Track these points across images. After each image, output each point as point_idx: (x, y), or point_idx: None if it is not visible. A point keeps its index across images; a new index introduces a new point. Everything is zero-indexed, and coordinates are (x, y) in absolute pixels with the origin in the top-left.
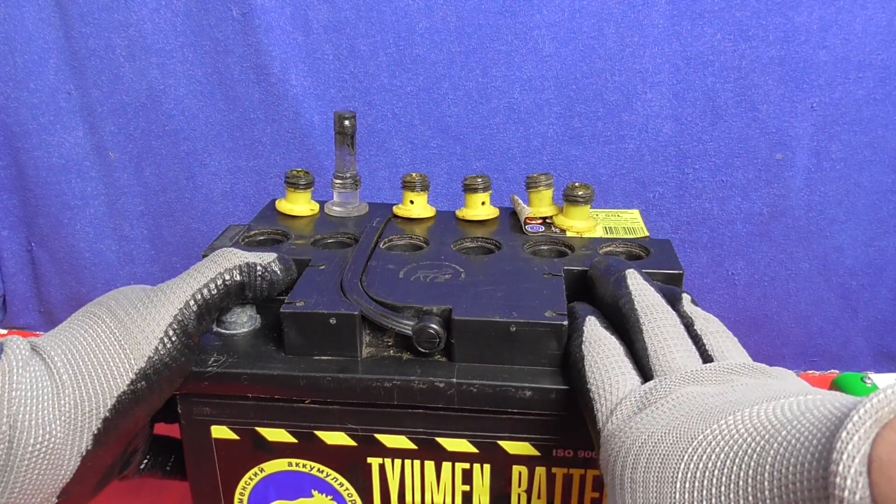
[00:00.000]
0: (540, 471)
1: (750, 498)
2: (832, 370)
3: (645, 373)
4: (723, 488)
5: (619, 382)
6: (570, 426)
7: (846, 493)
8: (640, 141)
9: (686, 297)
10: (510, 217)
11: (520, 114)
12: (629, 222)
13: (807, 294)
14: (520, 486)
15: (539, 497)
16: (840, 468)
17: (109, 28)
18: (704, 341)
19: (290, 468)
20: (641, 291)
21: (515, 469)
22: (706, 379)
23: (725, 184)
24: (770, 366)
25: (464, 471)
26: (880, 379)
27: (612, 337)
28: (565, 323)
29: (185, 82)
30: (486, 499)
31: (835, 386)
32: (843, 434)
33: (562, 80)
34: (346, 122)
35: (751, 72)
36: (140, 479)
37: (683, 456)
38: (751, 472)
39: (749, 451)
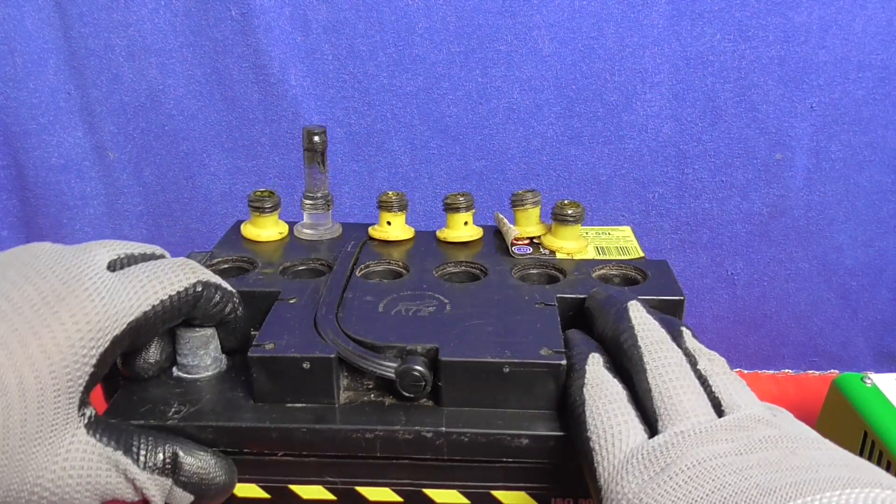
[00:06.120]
0: None
1: None
2: (832, 370)
3: (648, 415)
4: None
5: (623, 434)
6: (569, 474)
7: None
8: (639, 141)
9: (687, 333)
10: (494, 236)
11: (519, 114)
12: (621, 241)
13: (806, 294)
14: None
15: None
16: None
17: (109, 28)
18: (710, 382)
19: None
20: (645, 327)
21: None
22: (720, 437)
23: (725, 184)
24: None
25: None
26: (880, 379)
27: (616, 380)
28: (563, 363)
29: (185, 82)
30: None
31: (835, 386)
32: None
33: (561, 81)
34: (316, 139)
35: (751, 72)
36: None
37: None
38: None
39: None
